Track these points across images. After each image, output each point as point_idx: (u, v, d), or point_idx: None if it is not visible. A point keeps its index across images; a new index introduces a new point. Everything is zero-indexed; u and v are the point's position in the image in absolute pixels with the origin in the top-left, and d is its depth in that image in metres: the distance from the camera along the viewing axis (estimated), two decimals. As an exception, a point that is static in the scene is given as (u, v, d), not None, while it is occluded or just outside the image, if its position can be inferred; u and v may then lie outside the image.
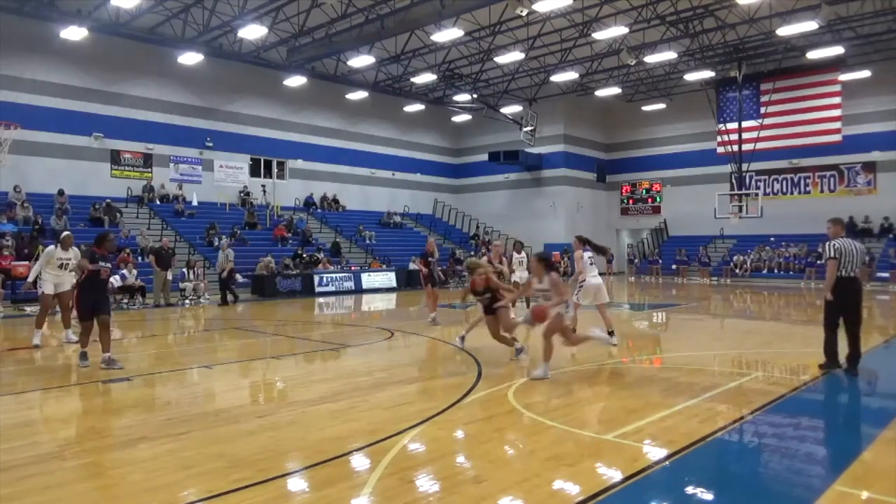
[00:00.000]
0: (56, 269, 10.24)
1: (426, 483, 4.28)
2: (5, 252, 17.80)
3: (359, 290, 23.66)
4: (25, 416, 6.32)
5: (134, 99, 25.18)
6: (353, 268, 25.22)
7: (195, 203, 26.36)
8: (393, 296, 22.86)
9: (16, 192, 21.15)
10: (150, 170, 25.82)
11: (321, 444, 5.06)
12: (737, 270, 29.55)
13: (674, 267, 31.13)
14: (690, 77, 28.98)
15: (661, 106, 33.93)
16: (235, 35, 23.34)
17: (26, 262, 17.87)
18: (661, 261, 32.44)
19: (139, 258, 20.21)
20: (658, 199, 36.26)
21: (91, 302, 8.30)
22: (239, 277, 20.33)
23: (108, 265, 8.60)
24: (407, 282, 25.49)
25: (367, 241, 29.39)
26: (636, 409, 6.04)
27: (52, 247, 10.53)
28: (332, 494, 4.05)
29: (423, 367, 8.69)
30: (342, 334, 12.04)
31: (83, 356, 8.43)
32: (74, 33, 21.08)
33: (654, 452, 4.86)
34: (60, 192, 21.99)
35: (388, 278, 25.38)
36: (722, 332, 13.09)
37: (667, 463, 4.63)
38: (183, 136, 26.50)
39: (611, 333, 9.65)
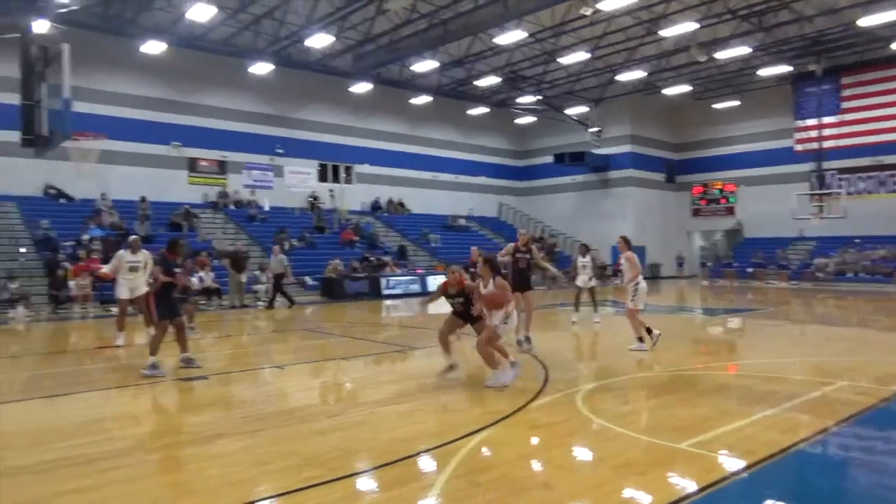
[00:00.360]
0: (127, 273, 10.45)
1: (494, 486, 4.26)
2: (94, 255, 18.85)
3: (424, 293, 23.81)
4: (110, 411, 6.67)
5: (209, 109, 26.25)
6: (418, 271, 25.43)
7: (267, 208, 27.22)
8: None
9: (102, 199, 22.40)
10: (224, 176, 26.85)
11: (389, 445, 5.12)
12: (819, 274, 28.11)
13: (749, 270, 29.90)
14: (765, 73, 27.84)
15: (734, 103, 32.70)
16: (303, 44, 23.99)
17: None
18: (735, 264, 31.22)
19: (215, 261, 21.00)
20: (732, 200, 34.94)
21: (166, 305, 8.36)
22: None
23: (180, 270, 8.79)
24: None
25: (432, 245, 29.58)
26: (711, 418, 5.83)
27: (122, 251, 10.82)
28: (401, 495, 4.09)
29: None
30: (408, 336, 12.16)
31: (154, 366, 8.12)
32: (154, 47, 22.21)
33: (731, 463, 4.68)
34: (143, 199, 23.13)
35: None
36: (803, 338, 12.47)
37: (745, 474, 4.44)
38: (255, 143, 27.42)
39: (648, 331, 9.41)
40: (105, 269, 11.48)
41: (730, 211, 34.92)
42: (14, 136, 13.47)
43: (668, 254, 33.95)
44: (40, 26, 14.64)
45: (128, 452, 5.05)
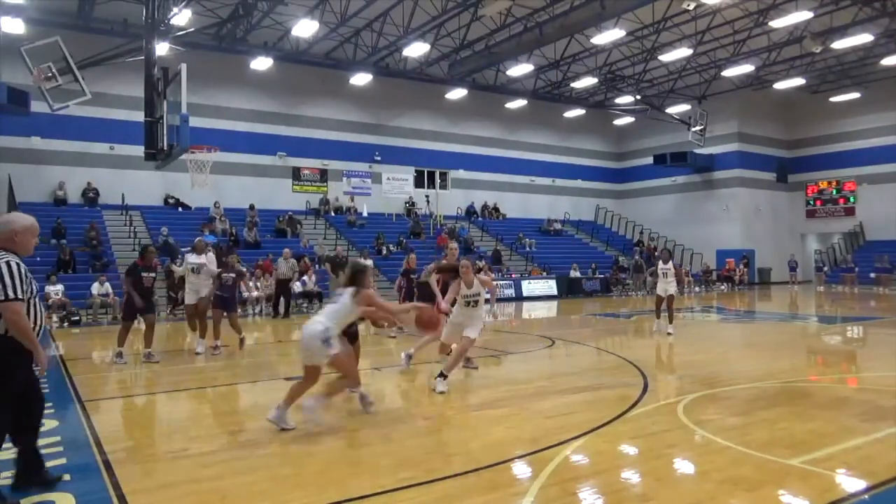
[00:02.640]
0: (189, 275, 10.55)
1: (590, 496, 4.18)
2: (207, 260, 20.08)
3: (519, 298, 23.71)
4: (224, 406, 7.10)
5: (311, 119, 27.40)
6: (513, 275, 25.33)
7: (365, 214, 28.05)
8: (554, 303, 22.64)
9: (215, 208, 23.89)
10: (325, 184, 27.93)
11: (484, 450, 5.13)
12: (954, 279, 25.56)
13: (872, 276, 27.61)
14: (889, 62, 25.67)
15: (855, 95, 30.38)
16: (401, 54, 24.59)
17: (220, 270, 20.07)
18: (856, 268, 28.92)
19: (317, 266, 21.85)
20: (852, 200, 32.43)
21: (129, 306, 9.42)
22: (296, 288, 18.73)
23: (152, 275, 9.62)
24: (568, 289, 25.12)
25: (528, 249, 29.38)
26: (827, 434, 5.44)
27: (187, 252, 11.03)
28: (494, 500, 4.09)
29: (585, 377, 8.49)
30: (503, 341, 12.13)
31: (119, 355, 9.40)
32: (262, 63, 23.54)
33: (851, 483, 4.34)
34: (251, 207, 24.47)
35: (548, 286, 25.19)
36: (935, 350, 11.38)
37: (866, 496, 4.10)
38: (354, 151, 28.34)
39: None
40: (177, 270, 12.11)
41: (849, 211, 32.44)
42: (138, 150, 14.70)
43: (779, 258, 31.95)
44: (161, 49, 15.84)
45: (239, 446, 5.35)
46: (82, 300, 16.50)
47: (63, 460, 4.87)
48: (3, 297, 3.78)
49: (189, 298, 10.64)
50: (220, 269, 10.45)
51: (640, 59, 26.98)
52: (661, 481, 4.44)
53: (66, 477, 4.45)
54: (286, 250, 18.50)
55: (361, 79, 26.02)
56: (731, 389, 7.19)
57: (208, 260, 10.46)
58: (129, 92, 20.80)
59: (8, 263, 3.87)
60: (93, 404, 6.87)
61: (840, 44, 23.55)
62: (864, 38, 23.07)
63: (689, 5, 19.00)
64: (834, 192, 33.07)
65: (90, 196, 22.58)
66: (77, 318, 15.99)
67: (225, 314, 10.53)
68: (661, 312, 12.71)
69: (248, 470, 4.73)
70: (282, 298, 17.72)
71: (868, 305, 20.25)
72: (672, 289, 12.63)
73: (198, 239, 11.13)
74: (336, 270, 19.18)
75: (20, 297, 3.84)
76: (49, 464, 4.67)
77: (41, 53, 16.03)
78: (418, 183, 30.45)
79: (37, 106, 18.30)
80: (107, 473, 4.58)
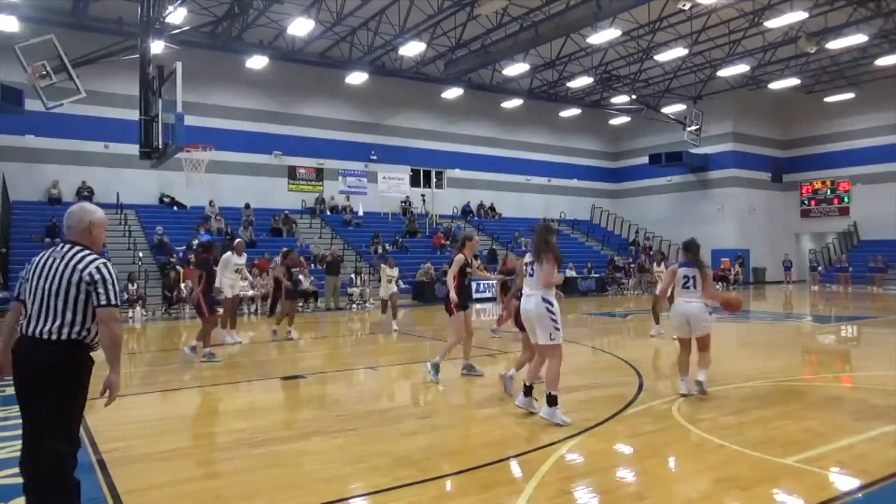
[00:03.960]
0: (232, 274, 11.41)
1: (585, 495, 4.19)
2: (202, 260, 20.05)
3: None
4: (217, 406, 7.08)
5: (307, 118, 27.36)
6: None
7: (361, 213, 28.02)
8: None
9: (211, 207, 23.83)
10: (321, 183, 27.89)
11: (479, 449, 5.14)
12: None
13: (866, 275, 27.73)
14: (884, 62, 25.78)
15: (849, 96, 30.49)
16: (396, 53, 24.58)
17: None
18: (850, 268, 29.03)
19: (312, 265, 21.83)
20: (846, 200, 32.55)
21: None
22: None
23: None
24: (564, 289, 25.09)
25: (524, 248, 29.34)
26: (821, 433, 5.46)
27: (228, 254, 11.61)
28: (489, 499, 4.09)
29: (581, 376, 8.50)
30: (499, 340, 12.14)
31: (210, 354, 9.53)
32: (257, 62, 23.49)
33: (844, 482, 4.36)
34: (247, 206, 24.42)
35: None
36: (929, 349, 11.42)
37: (859, 495, 4.12)
38: (350, 150, 28.30)
39: None
40: (217, 271, 12.27)
41: (843, 211, 32.57)
42: (133, 149, 14.64)
43: (774, 257, 32.06)
44: (156, 47, 15.77)
45: (234, 445, 5.34)
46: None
47: (57, 460, 4.85)
48: (105, 302, 3.27)
49: (228, 293, 11.51)
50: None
51: (635, 59, 27.02)
52: (657, 480, 4.45)
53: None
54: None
55: (357, 78, 25.99)
56: (725, 389, 7.21)
57: (246, 261, 11.82)
58: (124, 90, 20.72)
59: (107, 265, 3.39)
60: (87, 404, 6.83)
61: (835, 44, 23.65)
62: (858, 38, 23.16)
63: (684, 5, 19.03)
64: (828, 191, 33.20)
65: (85, 195, 22.47)
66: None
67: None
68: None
69: (244, 469, 4.72)
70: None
71: (862, 305, 20.34)
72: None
73: (238, 240, 12.14)
74: (332, 269, 19.24)
75: (118, 303, 3.38)
76: (43, 463, 4.66)
77: (36, 51, 15.95)
78: (414, 182, 30.44)
79: (31, 104, 18.20)
80: (101, 473, 4.57)
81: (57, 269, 3.31)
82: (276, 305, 17.51)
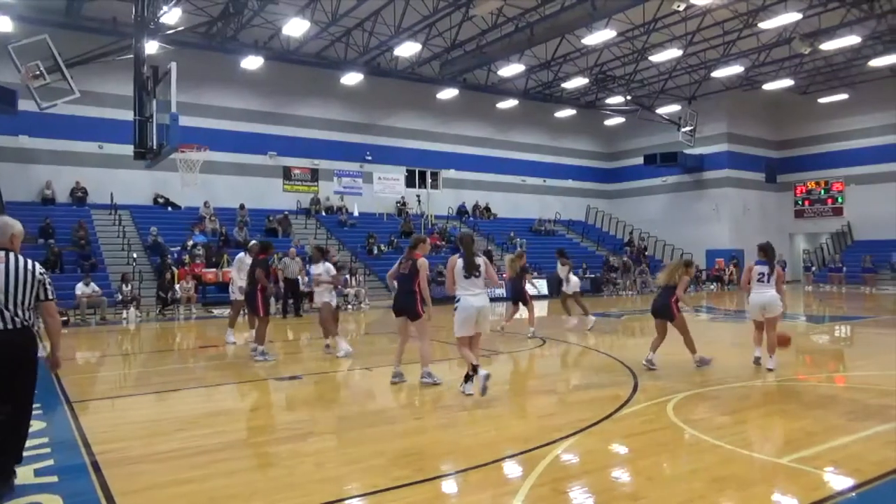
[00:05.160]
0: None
1: (580, 496, 4.19)
2: (197, 260, 20.03)
3: (510, 297, 23.66)
4: (212, 407, 7.06)
5: (302, 119, 27.31)
6: (504, 275, 25.28)
7: (356, 214, 27.99)
8: (545, 303, 22.67)
9: (205, 207, 23.77)
10: (316, 184, 27.85)
11: (474, 449, 5.14)
12: (940, 279, 25.82)
13: (860, 275, 27.86)
14: (877, 63, 25.89)
15: (843, 97, 30.61)
16: (392, 53, 24.57)
17: (215, 269, 20.01)
18: (844, 268, 29.17)
19: (308, 266, 21.77)
20: (840, 200, 32.69)
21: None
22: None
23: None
24: (559, 289, 25.12)
25: (519, 249, 29.38)
26: (816, 433, 5.48)
27: (241, 254, 11.70)
28: (485, 499, 4.09)
29: (576, 376, 8.52)
30: (494, 341, 12.14)
31: (262, 352, 9.58)
32: (252, 62, 23.42)
33: (839, 481, 4.38)
34: (241, 206, 24.36)
35: (539, 285, 25.19)
36: (922, 349, 11.48)
37: (853, 494, 4.14)
38: (345, 151, 28.26)
39: None
40: (232, 272, 12.34)
41: (837, 211, 32.70)
42: (128, 149, 14.58)
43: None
44: (151, 47, 15.72)
45: (229, 447, 5.33)
46: (70, 300, 16.37)
47: (51, 462, 4.83)
48: (49, 297, 4.33)
49: (240, 293, 11.22)
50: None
51: (630, 60, 27.07)
52: (652, 480, 4.46)
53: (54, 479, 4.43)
54: (292, 249, 18.47)
55: (352, 78, 25.96)
56: (719, 389, 7.23)
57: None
58: (119, 90, 20.64)
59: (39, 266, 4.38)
60: (81, 405, 6.82)
61: (828, 45, 23.72)
62: (852, 39, 23.26)
63: (679, 6, 19.08)
64: (822, 192, 33.32)
65: (78, 195, 22.41)
66: (65, 318, 15.86)
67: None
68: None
69: (238, 470, 4.71)
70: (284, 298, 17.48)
71: (855, 305, 20.43)
72: (567, 287, 14.31)
73: (253, 242, 11.83)
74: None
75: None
76: (37, 465, 4.65)
77: (29, 51, 15.89)
78: (409, 183, 30.42)
79: (24, 104, 18.13)
80: (95, 475, 4.56)
81: (10, 270, 4.16)
82: (286, 305, 17.45)
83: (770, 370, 8.15)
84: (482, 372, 6.75)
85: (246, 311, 11.09)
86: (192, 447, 5.24)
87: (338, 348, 10.14)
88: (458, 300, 7.11)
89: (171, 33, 18.81)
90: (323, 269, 10.32)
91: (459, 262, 7.05)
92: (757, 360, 8.55)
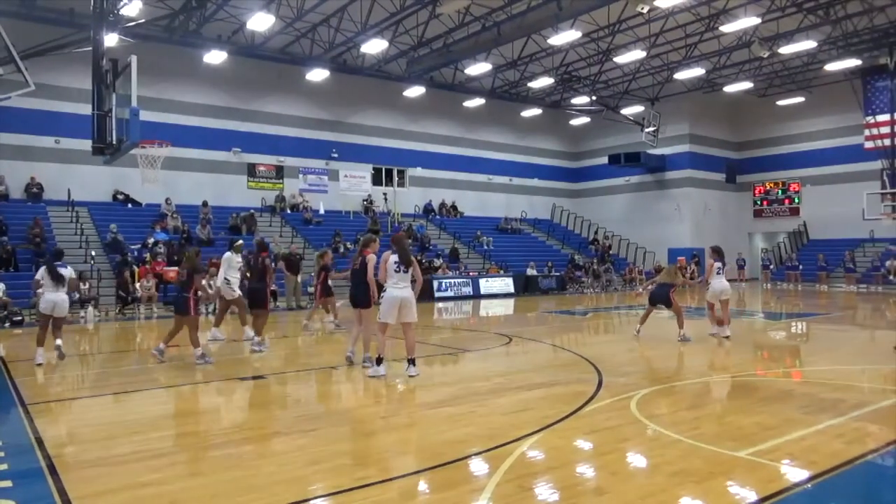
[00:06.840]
0: (236, 273, 11.79)
1: (545, 492, 4.23)
2: (159, 258, 19.61)
3: (477, 296, 23.81)
4: (173, 408, 6.93)
5: (267, 115, 26.95)
6: (471, 273, 25.43)
7: (322, 211, 27.75)
8: (511, 301, 22.82)
9: (167, 204, 23.29)
10: (281, 181, 27.51)
11: (440, 448, 5.14)
12: (890, 277, 26.76)
13: (815, 273, 28.70)
14: (832, 67, 26.69)
15: (799, 100, 31.49)
16: (358, 50, 24.41)
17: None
18: (800, 266, 30.02)
19: (273, 264, 21.50)
20: (796, 200, 33.64)
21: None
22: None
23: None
24: (525, 287, 25.36)
25: (485, 247, 29.54)
26: (772, 426, 5.63)
27: (228, 253, 12.04)
28: (450, 497, 4.10)
29: (541, 374, 8.59)
30: (461, 339, 12.18)
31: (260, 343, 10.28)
32: (216, 57, 23.01)
33: (794, 473, 4.51)
34: (204, 204, 23.93)
35: (505, 284, 25.36)
36: (872, 345, 11.91)
37: (808, 486, 4.27)
38: (311, 148, 27.99)
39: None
40: (220, 271, 12.37)
41: (794, 211, 33.64)
42: (86, 144, 14.17)
43: (728, 256, 32.62)
44: (110, 40, 15.31)
45: (190, 448, 5.24)
46: (25, 300, 15.87)
47: (5, 466, 4.69)
48: None
49: (238, 291, 11.95)
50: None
51: (595, 61, 27.39)
52: (615, 475, 4.53)
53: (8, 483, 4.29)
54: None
55: (318, 75, 25.72)
56: (681, 384, 7.38)
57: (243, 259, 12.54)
58: (77, 84, 20.08)
59: None
60: (36, 407, 6.62)
61: (786, 49, 24.38)
62: (808, 44, 23.95)
63: (643, 8, 19.36)
64: (780, 192, 34.23)
65: (34, 191, 21.74)
66: (20, 318, 15.38)
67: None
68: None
69: (200, 473, 4.64)
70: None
71: (811, 302, 21.05)
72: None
73: (238, 242, 12.56)
74: (291, 268, 19.00)
75: None
76: (-11, 470, 4.51)
77: (-19, 42, 15.33)
78: (376, 181, 30.28)
79: (-24, 97, 17.51)
80: (52, 479, 4.43)
81: None
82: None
83: (727, 337, 10.91)
84: (413, 371, 7.90)
85: (236, 308, 11.95)
86: (152, 449, 5.14)
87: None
88: (385, 290, 8.09)
89: (132, 26, 18.31)
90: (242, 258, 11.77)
91: (393, 258, 7.89)
92: (713, 335, 11.09)
